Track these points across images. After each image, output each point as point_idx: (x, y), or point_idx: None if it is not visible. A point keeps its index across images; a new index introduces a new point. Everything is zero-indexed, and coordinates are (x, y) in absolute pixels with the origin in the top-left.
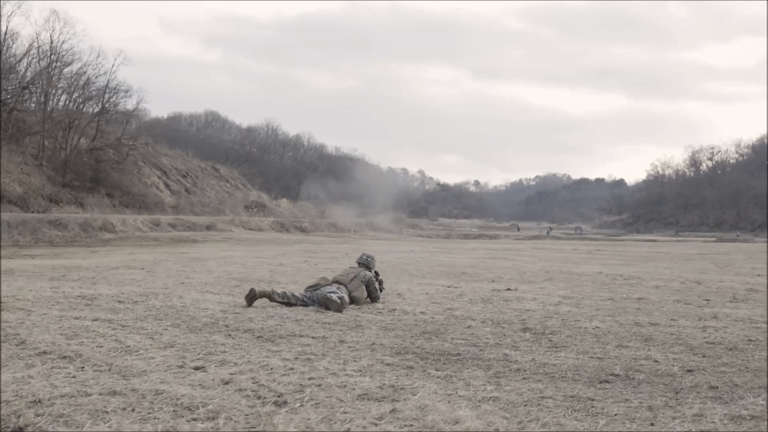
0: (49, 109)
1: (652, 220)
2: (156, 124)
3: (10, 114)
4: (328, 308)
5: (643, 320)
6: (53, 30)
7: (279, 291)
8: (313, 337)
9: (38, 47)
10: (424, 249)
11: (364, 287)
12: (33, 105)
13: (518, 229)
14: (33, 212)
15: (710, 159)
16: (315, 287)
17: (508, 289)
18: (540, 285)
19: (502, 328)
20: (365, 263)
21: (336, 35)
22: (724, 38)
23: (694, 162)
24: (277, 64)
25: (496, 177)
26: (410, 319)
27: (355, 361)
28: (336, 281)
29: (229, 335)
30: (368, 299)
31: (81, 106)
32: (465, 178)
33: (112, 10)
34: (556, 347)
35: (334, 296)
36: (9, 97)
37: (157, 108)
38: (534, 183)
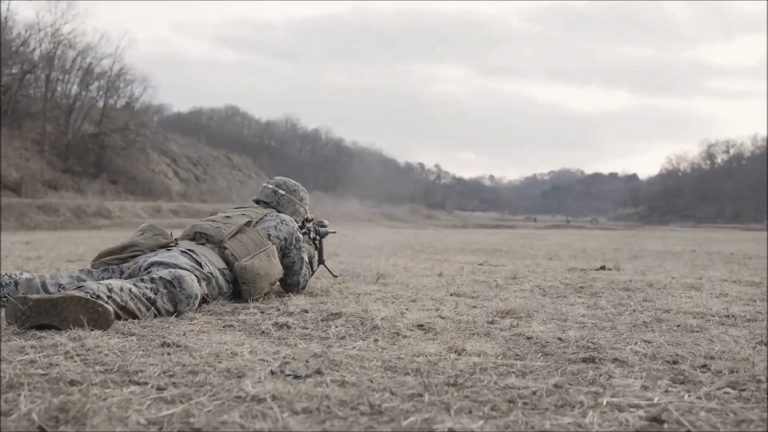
0: (51, 93)
1: (668, 212)
2: (177, 118)
3: (12, 98)
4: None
5: None
6: (55, 10)
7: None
8: None
9: (39, 30)
10: (437, 233)
11: (275, 250)
12: (36, 91)
13: (535, 220)
14: (26, 197)
15: (726, 152)
16: (120, 255)
17: (603, 268)
18: (647, 263)
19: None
20: (275, 202)
21: (343, 36)
22: (726, 37)
23: (710, 155)
24: (292, 63)
25: (511, 172)
26: (383, 358)
27: None
28: (188, 237)
29: None
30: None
31: (85, 92)
32: (480, 173)
33: (128, 12)
34: None
35: (145, 285)
36: (9, 80)
37: (178, 106)
38: (548, 178)
